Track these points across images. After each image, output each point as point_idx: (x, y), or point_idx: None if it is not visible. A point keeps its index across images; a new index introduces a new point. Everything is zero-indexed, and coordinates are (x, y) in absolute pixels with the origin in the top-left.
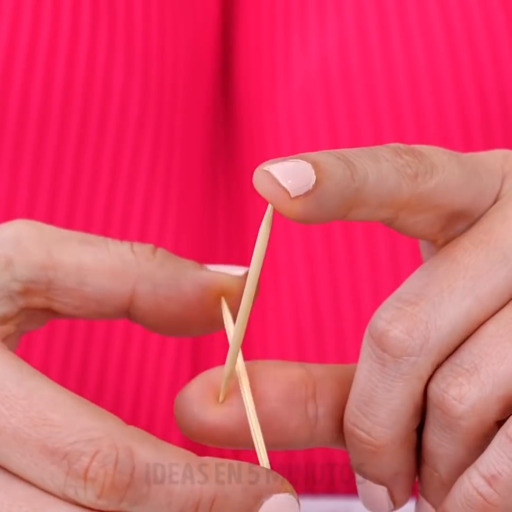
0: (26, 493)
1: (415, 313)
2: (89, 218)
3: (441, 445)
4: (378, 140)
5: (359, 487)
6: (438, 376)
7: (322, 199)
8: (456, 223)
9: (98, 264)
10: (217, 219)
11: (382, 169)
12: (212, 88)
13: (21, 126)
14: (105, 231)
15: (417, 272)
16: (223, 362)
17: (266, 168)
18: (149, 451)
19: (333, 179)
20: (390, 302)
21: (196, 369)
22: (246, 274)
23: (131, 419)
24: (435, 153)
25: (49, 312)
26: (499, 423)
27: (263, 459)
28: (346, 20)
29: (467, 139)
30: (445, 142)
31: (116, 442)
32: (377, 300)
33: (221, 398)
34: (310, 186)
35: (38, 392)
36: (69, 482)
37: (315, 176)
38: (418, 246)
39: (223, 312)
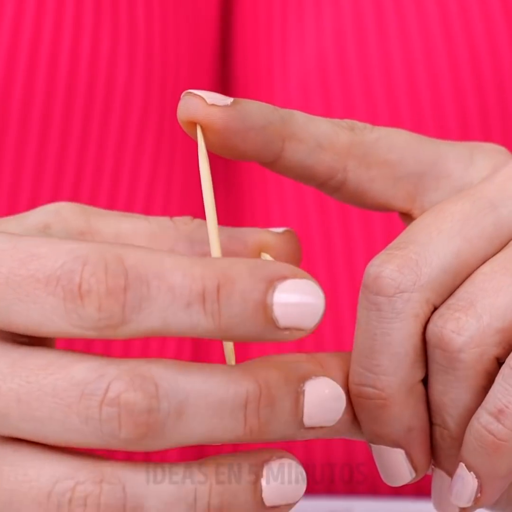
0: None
1: (405, 254)
2: None
3: (446, 392)
4: None
5: (376, 459)
6: (435, 316)
7: (242, 111)
8: (426, 190)
9: (136, 230)
10: (217, 211)
11: (312, 117)
12: (212, 82)
13: (24, 123)
14: None
15: (404, 230)
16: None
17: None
18: (139, 254)
19: (253, 103)
20: (381, 253)
21: None
22: (286, 232)
23: None
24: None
25: None
26: (500, 363)
27: None
28: (343, 13)
29: (465, 131)
30: (442, 133)
31: (104, 253)
32: None
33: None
34: (228, 103)
35: (25, 240)
36: (69, 308)
37: (233, 99)
38: None
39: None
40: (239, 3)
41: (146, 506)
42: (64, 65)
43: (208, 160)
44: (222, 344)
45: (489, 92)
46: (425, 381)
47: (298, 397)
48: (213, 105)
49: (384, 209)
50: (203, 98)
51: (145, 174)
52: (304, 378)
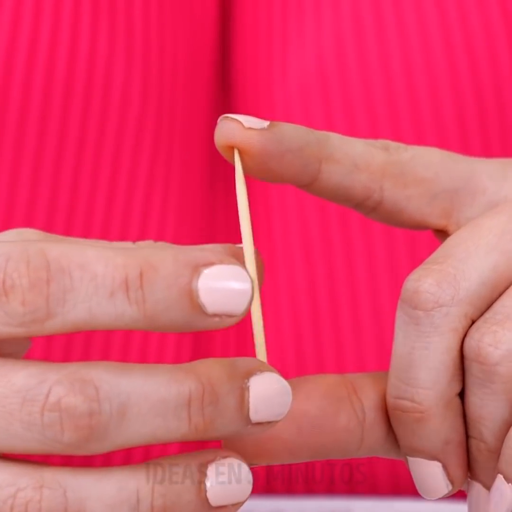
0: None
1: (443, 268)
2: (89, 217)
3: (483, 405)
4: (374, 134)
5: (413, 472)
6: (473, 329)
7: (279, 134)
8: (462, 206)
9: None
10: (216, 212)
11: (347, 137)
12: (211, 84)
13: (22, 124)
14: (106, 229)
15: (440, 246)
16: None
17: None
18: (61, 247)
19: (288, 125)
20: (418, 267)
21: None
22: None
23: None
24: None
25: None
26: None
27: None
28: (343, 15)
29: (464, 135)
30: (441, 137)
31: (26, 248)
32: (377, 304)
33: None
34: (264, 126)
35: None
36: None
37: (269, 122)
38: (415, 250)
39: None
40: (239, 6)
41: (88, 509)
42: (61, 67)
43: (245, 184)
44: (221, 344)
45: (488, 96)
46: (461, 394)
47: (242, 393)
48: (250, 128)
49: (420, 227)
50: (240, 122)
51: (142, 177)
52: (248, 374)
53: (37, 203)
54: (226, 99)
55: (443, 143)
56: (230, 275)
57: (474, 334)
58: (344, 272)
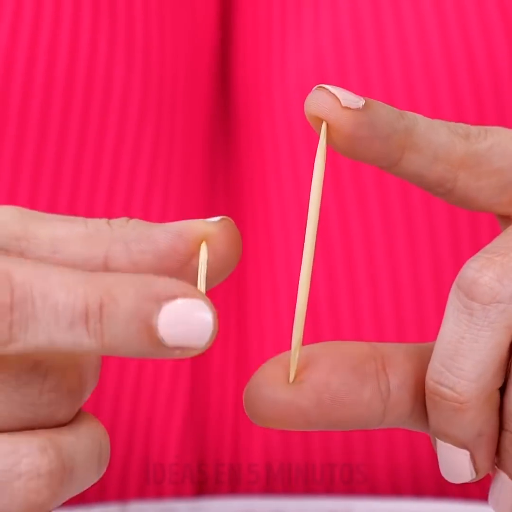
0: None
1: (506, 263)
2: (89, 214)
3: None
4: None
5: (439, 454)
6: None
7: (373, 117)
8: None
9: (72, 234)
10: (216, 211)
11: (433, 123)
12: (211, 83)
13: (23, 123)
14: None
15: (502, 233)
16: (224, 369)
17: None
18: (27, 270)
19: (383, 107)
20: (479, 255)
21: (194, 373)
22: (223, 220)
23: (130, 420)
24: (493, 127)
25: None
26: None
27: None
28: (341, 13)
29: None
30: None
31: None
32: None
33: (291, 378)
34: (360, 105)
35: None
36: None
37: (364, 100)
38: (436, 246)
39: (200, 257)
40: (238, 7)
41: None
42: (62, 67)
43: (325, 159)
44: (219, 346)
45: (486, 94)
46: (501, 388)
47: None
48: (346, 108)
49: (485, 212)
50: (338, 99)
51: (142, 176)
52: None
53: (38, 199)
54: (226, 98)
55: None
56: (191, 310)
57: None
58: (344, 271)
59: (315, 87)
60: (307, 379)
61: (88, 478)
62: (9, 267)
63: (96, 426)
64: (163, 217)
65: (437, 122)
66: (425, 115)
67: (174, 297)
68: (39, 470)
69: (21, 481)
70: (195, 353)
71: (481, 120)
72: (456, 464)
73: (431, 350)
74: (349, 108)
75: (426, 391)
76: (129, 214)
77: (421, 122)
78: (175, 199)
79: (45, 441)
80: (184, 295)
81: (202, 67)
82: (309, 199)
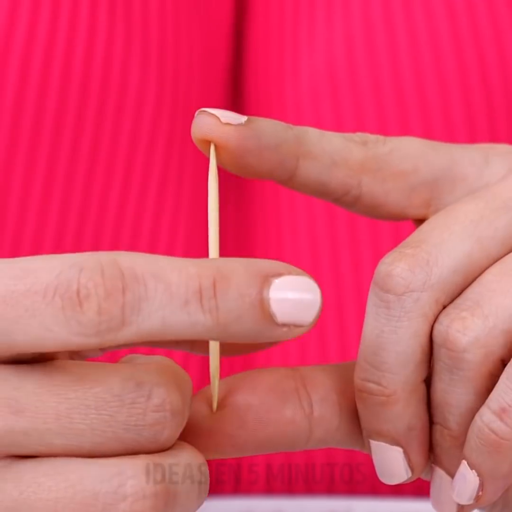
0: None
1: (417, 253)
2: (100, 217)
3: (449, 391)
4: (383, 134)
5: (374, 455)
6: (442, 315)
7: (257, 130)
8: (441, 194)
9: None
10: (227, 218)
11: (325, 133)
12: (224, 86)
13: (37, 123)
14: (117, 235)
15: (415, 231)
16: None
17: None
18: (133, 256)
19: (267, 121)
20: (392, 251)
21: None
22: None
23: None
24: (394, 137)
25: None
26: (505, 364)
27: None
28: (353, 17)
29: (472, 134)
30: (450, 136)
31: (98, 258)
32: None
33: (214, 407)
34: (242, 121)
35: (17, 259)
36: (68, 316)
37: (247, 117)
38: None
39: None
40: (252, 10)
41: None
42: (77, 69)
43: (217, 179)
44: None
45: (497, 97)
46: (426, 381)
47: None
48: (227, 123)
49: (399, 218)
50: (217, 117)
51: (155, 179)
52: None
53: (50, 204)
54: (238, 100)
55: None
56: (300, 286)
57: (443, 319)
58: (352, 279)
59: (196, 112)
60: (228, 405)
61: (189, 505)
62: (115, 256)
63: (195, 452)
64: (173, 222)
65: (329, 133)
66: (436, 118)
67: (280, 274)
68: (145, 492)
69: (126, 502)
70: (300, 331)
71: (491, 121)
72: (390, 462)
73: (349, 367)
74: (230, 124)
75: (355, 391)
76: (140, 218)
77: (311, 132)
78: (187, 204)
79: (149, 463)
80: (289, 273)
81: (216, 69)
82: (316, 203)
